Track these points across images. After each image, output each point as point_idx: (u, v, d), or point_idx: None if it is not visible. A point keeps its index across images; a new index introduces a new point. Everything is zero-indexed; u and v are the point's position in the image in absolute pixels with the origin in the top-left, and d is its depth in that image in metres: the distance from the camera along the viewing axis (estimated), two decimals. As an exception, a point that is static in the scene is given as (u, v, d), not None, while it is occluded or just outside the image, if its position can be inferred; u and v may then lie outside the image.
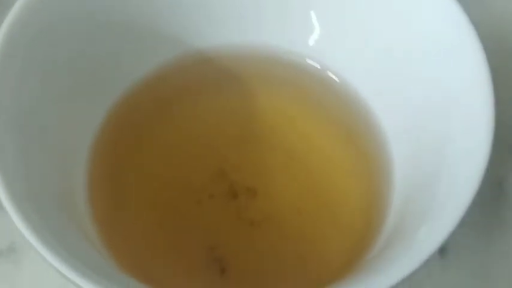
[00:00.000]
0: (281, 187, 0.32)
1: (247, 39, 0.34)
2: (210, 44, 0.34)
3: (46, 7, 0.29)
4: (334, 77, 0.34)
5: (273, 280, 0.30)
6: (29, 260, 0.33)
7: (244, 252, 0.31)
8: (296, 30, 0.34)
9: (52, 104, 0.29)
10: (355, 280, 0.25)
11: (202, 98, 0.34)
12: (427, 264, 0.23)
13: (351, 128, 0.33)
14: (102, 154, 0.32)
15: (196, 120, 0.34)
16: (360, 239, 0.30)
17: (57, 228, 0.26)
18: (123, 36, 0.32)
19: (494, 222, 0.34)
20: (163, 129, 0.33)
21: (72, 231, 0.27)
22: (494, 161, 0.27)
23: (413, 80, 0.30)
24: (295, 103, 0.34)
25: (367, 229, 0.30)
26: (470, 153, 0.25)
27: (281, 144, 0.33)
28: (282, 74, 0.34)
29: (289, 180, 0.32)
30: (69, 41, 0.30)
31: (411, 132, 0.30)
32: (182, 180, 0.32)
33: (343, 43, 0.33)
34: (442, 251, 0.33)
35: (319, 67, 0.34)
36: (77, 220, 0.29)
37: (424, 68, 0.30)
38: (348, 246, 0.30)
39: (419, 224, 0.25)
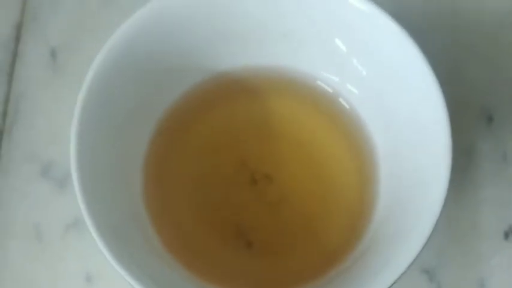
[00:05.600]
0: (292, 175, 0.39)
1: (262, 62, 0.41)
2: (232, 66, 0.40)
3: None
4: (343, 101, 0.40)
5: (290, 251, 0.38)
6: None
7: (265, 228, 0.38)
8: (308, 56, 0.40)
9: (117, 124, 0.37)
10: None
11: (228, 107, 0.41)
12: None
13: (350, 135, 0.40)
14: (154, 161, 0.39)
15: (224, 124, 0.40)
16: (356, 219, 0.38)
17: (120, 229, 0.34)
18: (163, 71, 0.39)
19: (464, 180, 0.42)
20: (199, 133, 0.40)
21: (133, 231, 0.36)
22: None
23: (397, 108, 0.38)
24: (305, 110, 0.41)
25: (361, 211, 0.38)
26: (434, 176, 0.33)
27: (292, 141, 0.40)
28: (294, 89, 0.41)
29: (299, 170, 0.39)
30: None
31: (394, 145, 0.38)
32: (215, 171, 0.40)
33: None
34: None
35: (330, 91, 0.41)
36: (133, 210, 0.37)
37: (400, 103, 0.37)
38: (347, 223, 0.38)
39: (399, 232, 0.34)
